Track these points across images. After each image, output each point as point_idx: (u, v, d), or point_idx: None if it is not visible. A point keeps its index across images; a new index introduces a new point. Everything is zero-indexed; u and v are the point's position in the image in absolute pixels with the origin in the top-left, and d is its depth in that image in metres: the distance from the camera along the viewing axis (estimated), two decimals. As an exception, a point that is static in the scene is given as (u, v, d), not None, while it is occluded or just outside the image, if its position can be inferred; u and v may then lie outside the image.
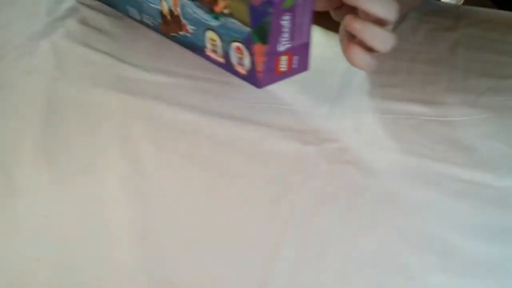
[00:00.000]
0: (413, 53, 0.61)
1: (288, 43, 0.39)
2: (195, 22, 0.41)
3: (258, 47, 0.38)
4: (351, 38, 0.41)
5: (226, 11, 0.38)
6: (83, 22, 0.62)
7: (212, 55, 0.43)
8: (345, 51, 0.42)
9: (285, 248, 0.39)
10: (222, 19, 0.39)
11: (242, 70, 0.42)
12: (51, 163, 0.45)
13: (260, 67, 0.39)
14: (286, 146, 0.47)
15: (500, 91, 0.55)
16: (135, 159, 0.46)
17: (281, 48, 0.39)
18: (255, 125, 0.50)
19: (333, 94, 0.55)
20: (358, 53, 0.41)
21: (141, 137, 0.48)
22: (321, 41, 0.64)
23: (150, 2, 0.44)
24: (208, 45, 0.42)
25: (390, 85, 0.55)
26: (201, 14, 0.40)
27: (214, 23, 0.40)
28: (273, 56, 0.39)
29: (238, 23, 0.38)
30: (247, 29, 0.37)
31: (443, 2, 0.78)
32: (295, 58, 0.40)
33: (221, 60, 0.43)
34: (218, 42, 0.41)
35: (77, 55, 0.57)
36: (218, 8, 0.38)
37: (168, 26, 0.44)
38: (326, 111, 0.52)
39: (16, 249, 0.38)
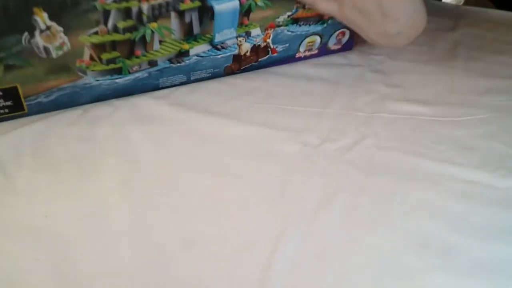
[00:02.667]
0: (413, 53, 0.61)
1: None
2: (290, 39, 0.55)
3: None
4: None
5: None
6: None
7: (304, 54, 0.58)
8: None
9: (285, 248, 0.38)
10: (330, 21, 0.55)
11: (337, 46, 0.59)
12: (51, 163, 0.45)
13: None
14: (286, 146, 0.47)
15: (500, 91, 0.55)
16: (135, 159, 0.46)
17: None
18: (255, 125, 0.50)
19: (333, 94, 0.55)
20: None
21: (141, 137, 0.48)
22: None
23: (215, 55, 0.53)
24: (303, 49, 0.57)
25: (390, 85, 0.55)
26: (303, 28, 0.55)
27: (317, 28, 0.56)
28: None
29: None
30: None
31: (443, 2, 0.78)
32: None
33: (314, 52, 0.58)
34: (317, 40, 0.57)
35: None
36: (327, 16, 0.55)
37: (242, 62, 0.55)
38: (326, 111, 0.52)
39: (16, 249, 0.38)
